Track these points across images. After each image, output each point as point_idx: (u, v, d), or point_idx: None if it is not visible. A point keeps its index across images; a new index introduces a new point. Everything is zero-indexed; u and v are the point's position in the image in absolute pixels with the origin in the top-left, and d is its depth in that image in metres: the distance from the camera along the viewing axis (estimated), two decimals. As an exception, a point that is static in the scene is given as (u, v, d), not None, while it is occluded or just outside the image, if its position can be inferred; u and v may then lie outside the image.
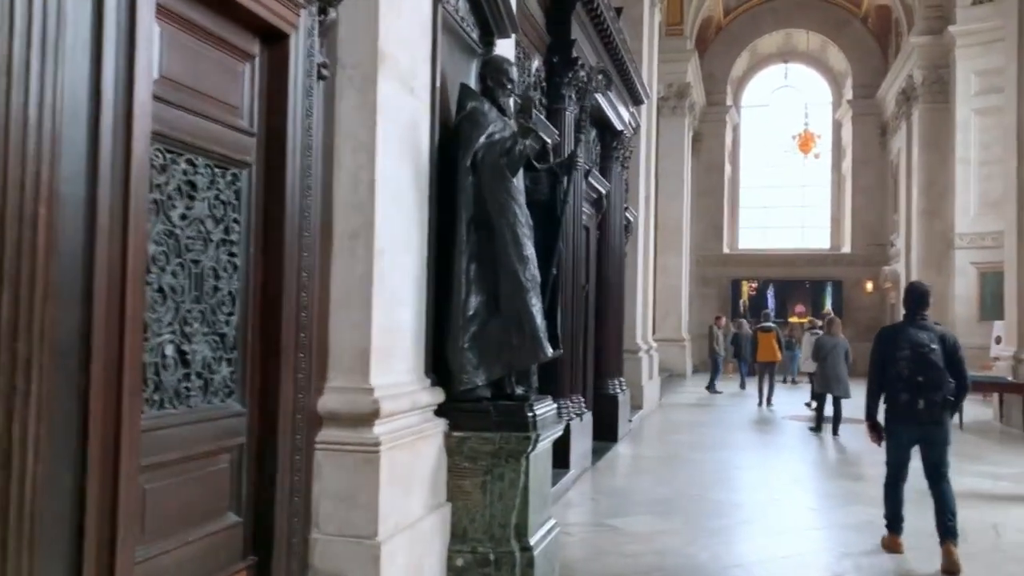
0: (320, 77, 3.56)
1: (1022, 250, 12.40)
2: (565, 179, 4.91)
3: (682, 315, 21.39)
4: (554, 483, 6.73)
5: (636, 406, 12.30)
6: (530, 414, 4.32)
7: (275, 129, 3.35)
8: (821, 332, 12.54)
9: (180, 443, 2.91)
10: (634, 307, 12.82)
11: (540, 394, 5.01)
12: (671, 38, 20.62)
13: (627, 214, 11.60)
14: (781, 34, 26.08)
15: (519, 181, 4.55)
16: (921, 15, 19.78)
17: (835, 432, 11.13)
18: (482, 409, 4.34)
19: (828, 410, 11.35)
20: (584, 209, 8.86)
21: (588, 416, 8.26)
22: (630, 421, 11.06)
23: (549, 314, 4.79)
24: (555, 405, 4.80)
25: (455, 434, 4.29)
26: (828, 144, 25.88)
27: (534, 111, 4.92)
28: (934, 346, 5.15)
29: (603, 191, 9.70)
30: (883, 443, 5.42)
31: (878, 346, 5.40)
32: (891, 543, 5.47)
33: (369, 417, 3.60)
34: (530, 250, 4.37)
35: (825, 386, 11.32)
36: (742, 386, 18.48)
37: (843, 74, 26.17)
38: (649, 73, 14.23)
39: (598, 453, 9.02)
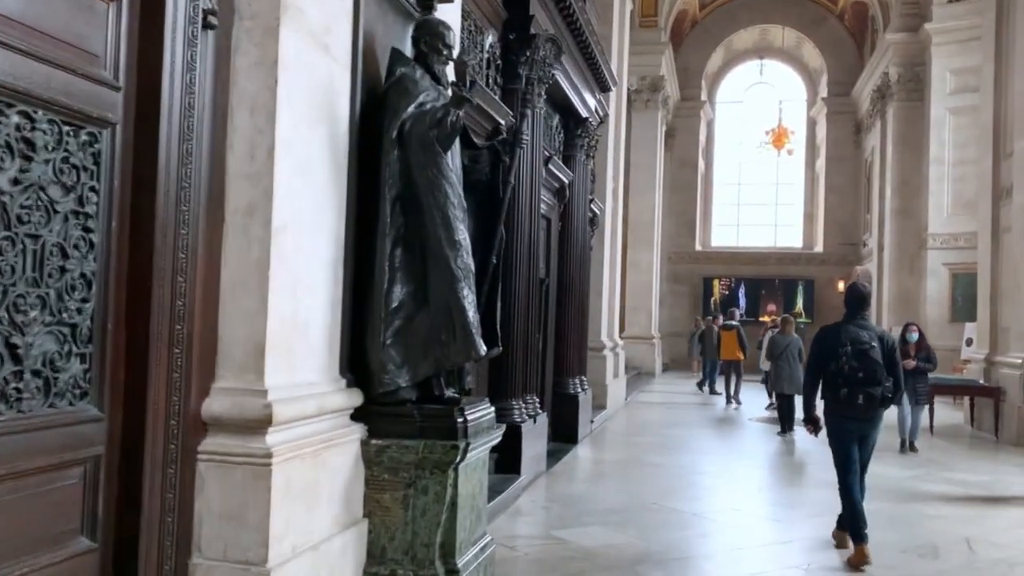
0: (207, 26, 3.05)
1: (996, 251, 12.11)
2: (508, 157, 4.43)
3: (653, 313, 21.01)
4: (503, 490, 6.27)
5: (600, 406, 11.87)
6: (459, 419, 3.83)
7: (147, 83, 2.84)
8: None
9: (7, 455, 2.39)
10: (600, 303, 12.38)
11: (477, 396, 4.54)
12: (645, 30, 20.21)
13: (593, 206, 11.14)
14: (757, 30, 25.77)
15: (454, 158, 4.06)
16: (897, 12, 19.51)
17: (790, 429, 10.97)
18: (405, 413, 3.85)
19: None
20: (544, 198, 8.38)
21: (543, 417, 7.79)
22: (592, 422, 10.62)
23: (488, 308, 4.31)
24: (491, 409, 4.31)
25: (374, 442, 3.79)
26: (802, 142, 25.62)
27: (477, 85, 4.43)
28: (874, 343, 5.29)
29: (565, 180, 9.23)
30: (818, 434, 5.54)
31: (818, 343, 5.48)
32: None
33: (260, 423, 3.09)
34: (463, 235, 3.88)
35: (778, 385, 11.43)
36: (704, 386, 18.14)
37: (818, 71, 25.92)
38: (619, 62, 13.78)
39: (555, 456, 8.56)
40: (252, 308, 3.18)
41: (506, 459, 6.81)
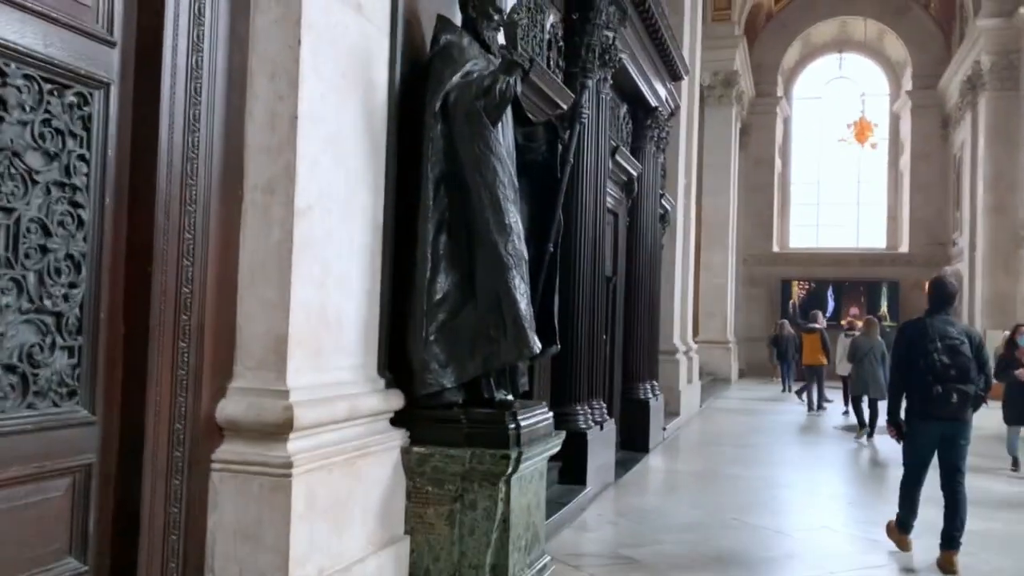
0: (219, -25, 2.68)
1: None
2: (567, 134, 3.98)
3: (728, 316, 20.24)
4: (567, 502, 5.81)
5: (672, 412, 11.28)
6: (511, 426, 3.39)
7: (147, 38, 2.49)
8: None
9: (-27, 464, 2.05)
10: (671, 305, 11.79)
11: (534, 400, 4.10)
12: (718, 23, 19.51)
13: (663, 202, 10.59)
14: (836, 22, 24.71)
15: (505, 134, 3.63)
16: (990, -4, 18.37)
17: (870, 435, 10.72)
18: (450, 418, 3.43)
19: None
20: (610, 191, 7.90)
21: (611, 424, 7.30)
22: (664, 430, 10.05)
23: (544, 302, 3.87)
24: (549, 414, 3.87)
25: (416, 450, 3.38)
26: (885, 139, 24.43)
27: (537, 64, 4.00)
28: (963, 339, 5.04)
29: (634, 173, 8.73)
30: (902, 441, 5.28)
31: (904, 339, 5.23)
32: (900, 542, 5.31)
33: (279, 428, 2.71)
34: (514, 218, 3.44)
35: (862, 388, 11.03)
36: (785, 390, 17.63)
37: (902, 64, 24.71)
38: (691, 54, 13.18)
39: (625, 466, 8.04)
40: (273, 299, 2.80)
41: (570, 468, 6.34)
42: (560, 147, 3.98)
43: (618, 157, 7.96)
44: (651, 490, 7.25)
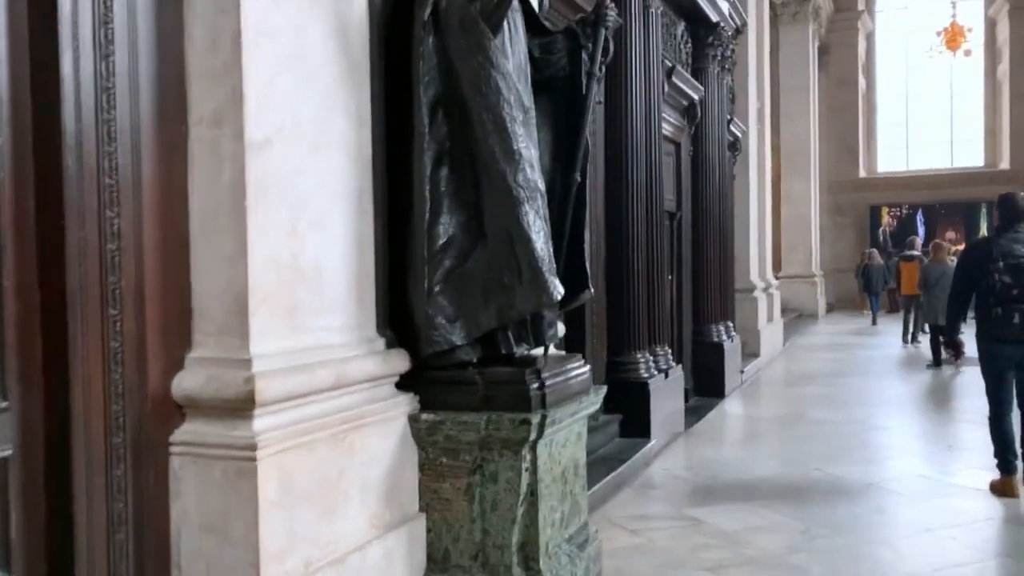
0: None
1: None
2: (591, 42, 3.40)
3: (812, 249, 19.24)
4: (627, 458, 5.36)
5: (752, 354, 10.65)
6: (534, 385, 2.92)
7: (36, -60, 2.04)
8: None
9: None
10: (747, 240, 11.06)
11: (565, 353, 3.62)
12: (789, -67, 18.17)
13: (732, 129, 9.83)
14: (922, -77, 22.82)
15: (513, 43, 3.09)
16: None
17: (938, 363, 10.50)
18: (463, 380, 2.97)
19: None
20: (668, 117, 7.24)
21: (677, 371, 6.75)
22: (742, 373, 9.44)
23: (573, 241, 3.36)
24: (584, 368, 3.37)
25: (424, 416, 2.94)
26: (980, 45, 22.59)
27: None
28: None
29: (695, 97, 8.01)
30: (959, 359, 5.35)
31: (966, 259, 5.19)
32: (1004, 486, 4.88)
33: (241, 404, 2.30)
34: (523, 143, 2.91)
35: (934, 316, 10.63)
36: (874, 322, 16.93)
37: (998, -37, 22.70)
38: (759, -34, 12.17)
39: (696, 413, 7.51)
40: (229, 250, 2.37)
41: (632, 421, 5.86)
42: (585, 58, 3.41)
43: (675, 79, 7.27)
44: (725, 439, 6.71)
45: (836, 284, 21.53)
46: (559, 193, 3.36)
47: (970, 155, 23.43)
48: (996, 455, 4.95)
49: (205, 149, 2.39)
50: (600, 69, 3.45)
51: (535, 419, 2.84)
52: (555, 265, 3.02)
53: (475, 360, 3.01)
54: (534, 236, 2.88)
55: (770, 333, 11.77)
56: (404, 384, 3.00)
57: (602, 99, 5.86)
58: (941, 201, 22.44)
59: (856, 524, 4.45)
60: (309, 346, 2.56)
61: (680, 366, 6.96)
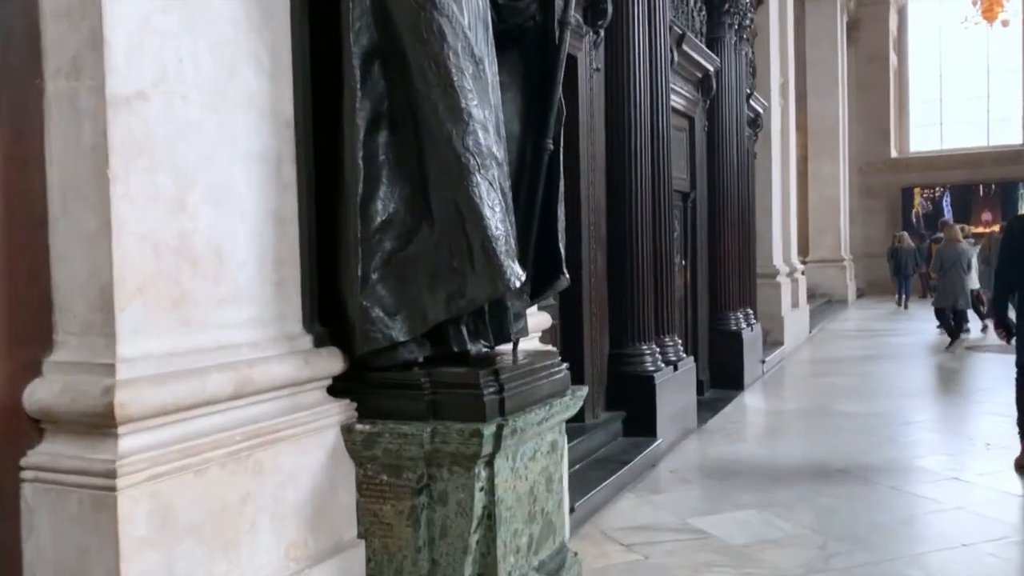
0: None
1: None
2: (563, -15, 2.91)
3: (842, 231, 18.58)
4: (629, 459, 4.88)
5: (775, 342, 10.11)
6: (490, 389, 2.45)
7: None
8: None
9: None
10: (769, 222, 10.49)
11: (538, 350, 3.16)
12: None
13: (753, 103, 9.26)
14: None
15: (466, -15, 2.61)
16: None
17: (950, 346, 10.49)
18: (407, 382, 2.51)
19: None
20: (679, 89, 6.72)
21: (689, 362, 6.25)
22: (763, 363, 8.91)
23: (545, 218, 2.89)
24: (560, 367, 2.90)
25: (360, 427, 2.49)
26: (1019, 15, 21.62)
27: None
28: None
29: (710, 68, 7.47)
30: (1011, 340, 5.03)
31: (1009, 236, 5.08)
32: None
33: (101, 420, 1.85)
34: (475, 101, 2.43)
35: (950, 300, 10.78)
36: (902, 306, 16.59)
37: (1037, -69, 21.67)
38: (782, -67, 11.53)
39: (711, 408, 7.02)
40: (92, 229, 1.93)
41: (637, 418, 5.38)
42: (559, 2, 2.92)
43: (686, 48, 6.73)
44: (741, 436, 6.20)
45: (867, 269, 20.80)
46: (530, 164, 2.89)
47: (1008, 133, 22.50)
48: (1018, 423, 4.98)
49: (64, 106, 1.95)
50: (573, 17, 2.97)
51: (488, 430, 2.38)
52: (516, 246, 2.56)
53: (421, 360, 2.56)
54: (487, 211, 2.40)
55: (795, 320, 11.19)
56: (340, 388, 2.55)
57: (600, 66, 5.36)
58: (977, 181, 21.59)
59: (881, 537, 3.94)
60: (204, 347, 2.11)
61: (692, 357, 6.45)
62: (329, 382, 2.52)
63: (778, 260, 10.83)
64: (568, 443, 4.72)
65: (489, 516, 2.50)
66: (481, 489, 2.46)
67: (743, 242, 8.65)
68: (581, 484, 4.38)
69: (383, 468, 2.51)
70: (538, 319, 3.83)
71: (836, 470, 5.10)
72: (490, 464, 2.48)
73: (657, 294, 5.83)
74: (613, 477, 4.59)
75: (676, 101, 6.65)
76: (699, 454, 5.60)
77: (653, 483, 4.89)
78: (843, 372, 9.09)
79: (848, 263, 18.79)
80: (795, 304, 11.40)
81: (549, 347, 3.90)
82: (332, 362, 2.49)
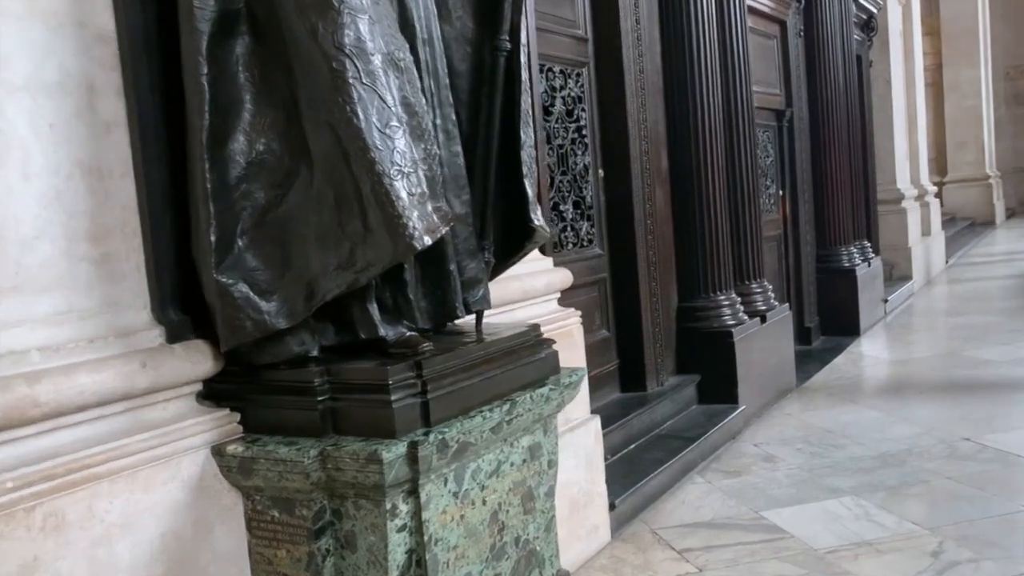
0: None
1: None
2: None
3: (986, 145, 16.61)
4: (701, 433, 4.12)
5: (902, 277, 8.90)
6: (404, 390, 1.76)
7: None
8: None
9: None
10: (891, 140, 9.17)
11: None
12: None
13: (864, 2, 7.97)
14: None
15: None
16: None
17: None
18: (295, 384, 1.83)
19: None
20: (758, -14, 5.66)
21: (782, 311, 5.31)
22: (885, 302, 7.78)
23: (506, 146, 2.13)
24: (541, 345, 2.17)
25: (233, 449, 1.83)
26: None
27: None
28: None
29: (802, -39, 6.33)
30: None
31: None
32: None
33: None
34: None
35: None
36: None
37: None
38: None
39: (820, 359, 6.07)
40: None
41: (713, 382, 4.55)
42: None
43: (767, -64, 5.65)
44: (849, 395, 5.24)
45: (1018, 185, 18.63)
46: (488, 73, 2.13)
47: None
48: None
49: None
50: None
51: (393, 452, 1.67)
52: (455, 185, 1.84)
53: (315, 352, 1.87)
54: (376, 138, 1.67)
55: (925, 250, 9.85)
56: (222, 393, 1.90)
57: (646, -40, 4.43)
58: None
59: (1016, 538, 3.02)
60: (-41, 355, 1.50)
61: (788, 304, 5.49)
62: (198, 387, 1.87)
63: (904, 183, 9.50)
64: (623, 419, 4.00)
65: (419, 563, 1.81)
66: (401, 528, 1.77)
67: (857, 165, 7.50)
68: (632, 470, 3.63)
69: (272, 502, 1.85)
70: (552, 277, 3.09)
71: (963, 439, 4.13)
72: (414, 493, 1.78)
73: (737, 234, 4.93)
74: (676, 458, 3.81)
75: (759, 1, 5.62)
76: (793, 421, 4.71)
77: (728, 462, 4.07)
78: (984, 310, 7.82)
79: (995, 180, 16.82)
80: (926, 231, 10.04)
81: (571, 311, 3.16)
82: (194, 361, 1.83)
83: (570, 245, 4.02)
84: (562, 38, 3.98)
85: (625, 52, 4.19)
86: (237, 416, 1.89)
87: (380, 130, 1.67)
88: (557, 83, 3.94)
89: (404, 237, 1.67)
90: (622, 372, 4.33)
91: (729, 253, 4.77)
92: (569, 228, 4.01)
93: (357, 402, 1.77)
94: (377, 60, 1.70)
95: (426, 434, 1.75)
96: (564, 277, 3.15)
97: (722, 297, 4.67)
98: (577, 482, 3.08)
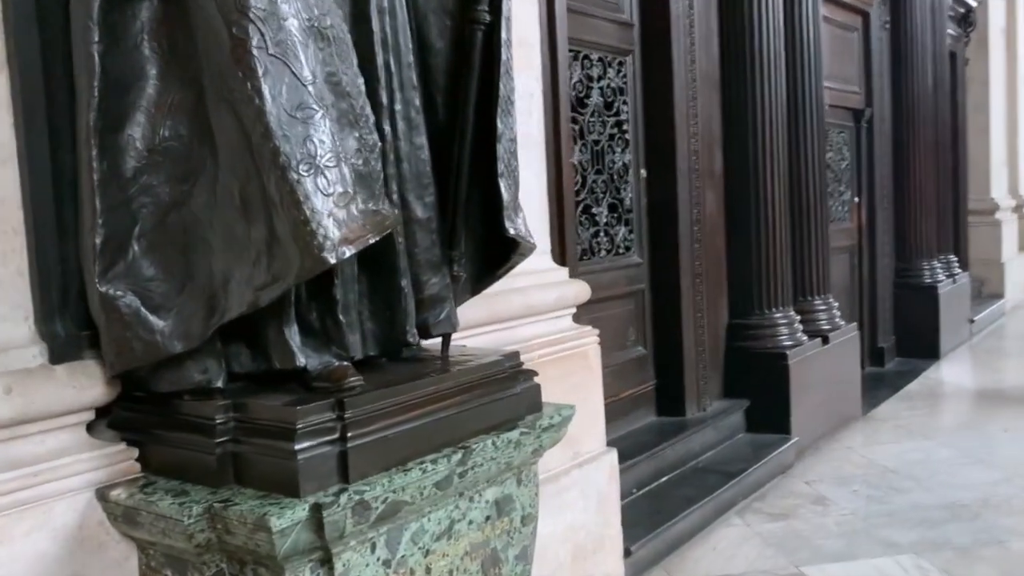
0: None
1: None
2: None
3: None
4: (745, 467, 3.73)
5: (992, 295, 8.19)
6: (315, 436, 1.42)
7: None
8: None
9: None
10: (986, 145, 8.46)
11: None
12: None
13: (961, -5, 7.32)
14: None
15: None
16: None
17: None
18: (192, 421, 1.52)
19: None
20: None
21: (848, 331, 4.80)
22: (971, 322, 7.11)
23: (480, 141, 1.78)
24: (514, 380, 1.80)
25: (117, 495, 1.52)
26: None
27: None
28: None
29: (891, -54, 5.76)
30: None
31: None
32: None
33: None
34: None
35: None
36: None
37: None
38: None
39: (892, 385, 5.54)
40: None
41: (763, 408, 4.10)
42: None
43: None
44: (920, 428, 4.70)
45: None
46: (464, 51, 1.78)
47: None
48: None
49: None
50: None
51: (282, 520, 1.33)
52: (381, 185, 1.48)
53: (222, 382, 1.54)
54: (284, 122, 1.33)
55: (1021, 267, 9.06)
56: (125, 423, 1.60)
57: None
58: None
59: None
60: None
61: (855, 324, 4.97)
62: (90, 416, 1.57)
63: (999, 192, 8.75)
64: (654, 448, 3.59)
65: (329, 650, 1.47)
66: (307, 605, 1.43)
67: (944, 171, 6.87)
68: (659, 508, 3.24)
69: (166, 559, 1.54)
70: (565, 290, 2.72)
71: (1051, 489, 3.59)
72: (327, 563, 1.44)
73: (799, 244, 4.46)
74: (711, 496, 3.39)
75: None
76: (853, 457, 4.22)
77: (773, 502, 3.63)
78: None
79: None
80: (1023, 246, 9.24)
81: (587, 330, 2.78)
82: (80, 386, 1.53)
83: (603, 252, 3.63)
84: (602, 22, 3.59)
85: (675, 39, 3.77)
86: (135, 452, 1.59)
87: (289, 113, 1.34)
88: (594, 72, 3.55)
89: (312, 248, 1.33)
90: (659, 394, 3.92)
91: (788, 265, 4.30)
92: (603, 233, 3.62)
93: (260, 448, 1.45)
94: (292, 26, 1.37)
95: (340, 493, 1.41)
96: (579, 290, 2.78)
97: (778, 314, 4.21)
98: (585, 525, 2.71)
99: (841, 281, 5.48)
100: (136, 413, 1.61)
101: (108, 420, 1.62)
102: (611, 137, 3.65)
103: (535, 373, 1.89)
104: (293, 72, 1.35)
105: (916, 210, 6.31)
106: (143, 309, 1.48)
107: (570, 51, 3.38)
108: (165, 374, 1.52)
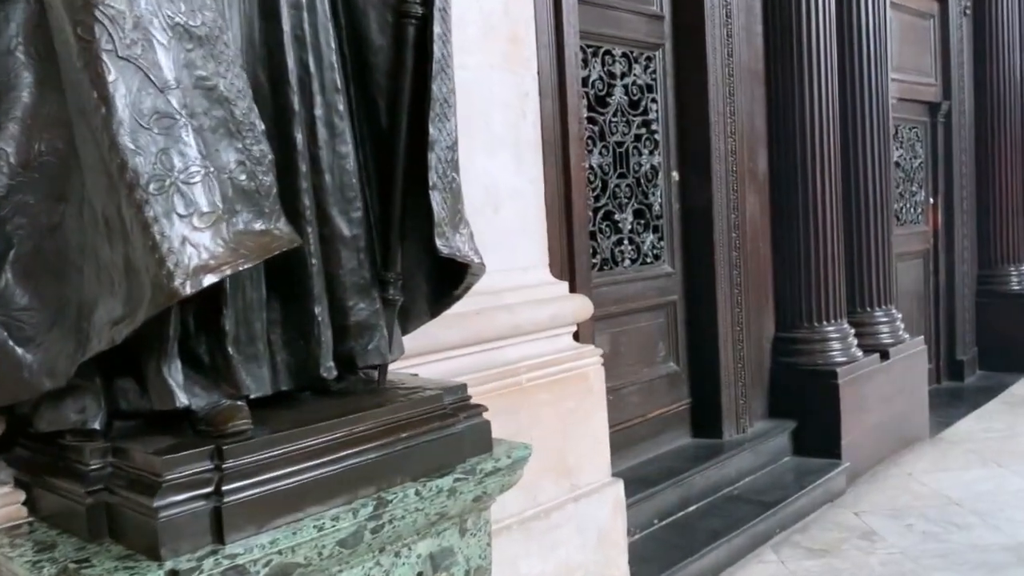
0: None
1: None
2: None
3: None
4: (784, 497, 3.39)
5: (1094, 302, 7.46)
6: (186, 489, 1.25)
7: None
8: None
9: None
10: (1089, 138, 7.73)
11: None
12: None
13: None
14: None
15: None
16: None
17: None
18: (66, 467, 1.37)
19: None
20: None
21: (913, 346, 4.40)
22: (1069, 332, 6.51)
23: (412, 149, 1.59)
24: (458, 413, 1.60)
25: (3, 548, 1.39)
26: None
27: None
28: None
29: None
30: None
31: None
32: None
33: None
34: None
35: None
36: None
37: None
38: None
39: (970, 402, 5.11)
40: None
41: (811, 430, 3.78)
42: None
43: None
44: (995, 453, 4.26)
45: None
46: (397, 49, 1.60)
47: None
48: None
49: None
50: None
51: (140, 583, 1.17)
52: (271, 201, 1.31)
53: (100, 423, 1.38)
54: (133, 133, 1.17)
55: None
56: (11, 463, 1.47)
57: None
58: None
59: None
60: None
61: (921, 337, 4.55)
62: (-33, 461, 1.45)
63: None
64: (682, 474, 3.32)
65: None
66: None
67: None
68: (681, 542, 2.98)
69: (43, 618, 1.39)
70: (562, 307, 2.51)
71: None
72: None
73: (855, 250, 4.11)
74: (741, 529, 3.11)
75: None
76: (912, 485, 3.83)
77: (816, 535, 3.31)
78: None
79: None
80: None
81: (587, 349, 2.55)
82: (-39, 425, 1.41)
83: (627, 261, 3.38)
84: (626, 14, 3.34)
85: (709, 31, 3.49)
86: (22, 496, 1.45)
87: (139, 122, 1.17)
88: (617, 69, 3.30)
89: (160, 278, 1.15)
90: (694, 414, 3.65)
91: (842, 274, 3.95)
92: (627, 241, 3.37)
93: (129, 502, 1.29)
94: (150, 25, 1.20)
95: (210, 555, 1.23)
96: (580, 307, 2.55)
97: (829, 328, 3.87)
98: (583, 565, 2.48)
99: (913, 288, 5.08)
100: (28, 451, 1.48)
101: (4, 457, 1.50)
102: (637, 138, 3.40)
103: (484, 408, 1.68)
104: (147, 75, 1.18)
105: (1001, 211, 5.80)
106: (10, 342, 1.34)
107: (588, 47, 3.16)
108: (44, 412, 1.38)
